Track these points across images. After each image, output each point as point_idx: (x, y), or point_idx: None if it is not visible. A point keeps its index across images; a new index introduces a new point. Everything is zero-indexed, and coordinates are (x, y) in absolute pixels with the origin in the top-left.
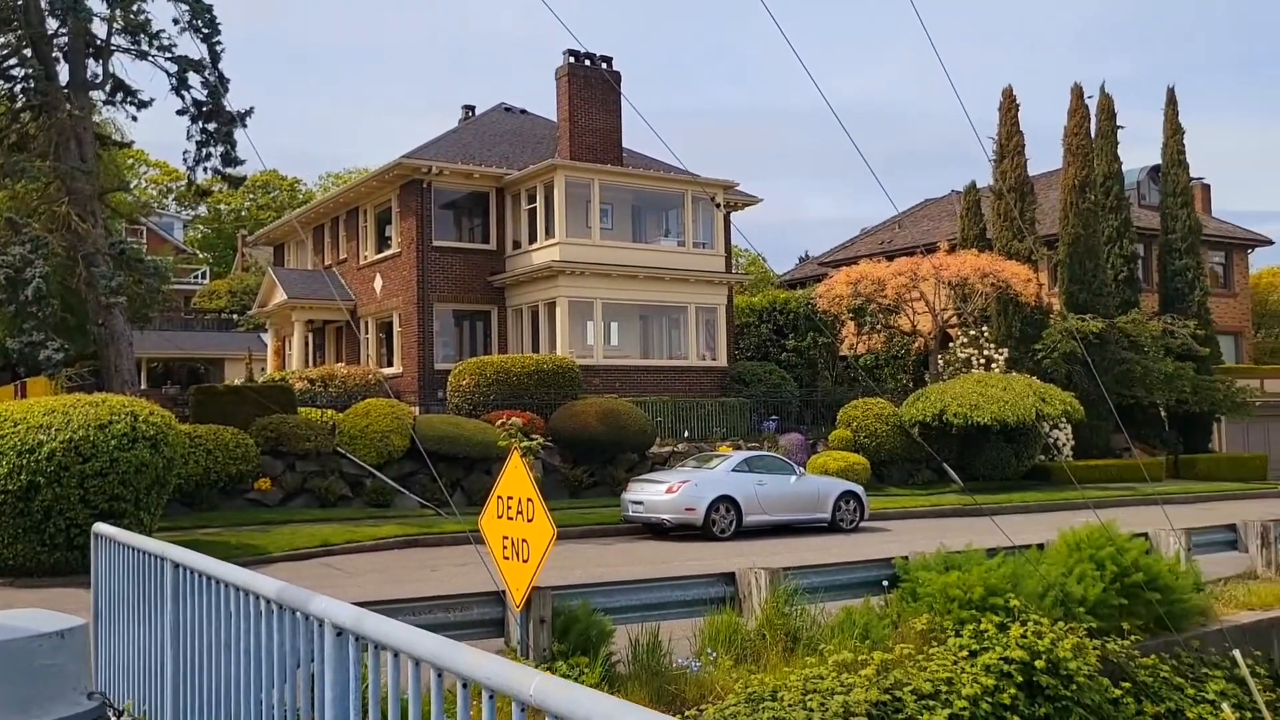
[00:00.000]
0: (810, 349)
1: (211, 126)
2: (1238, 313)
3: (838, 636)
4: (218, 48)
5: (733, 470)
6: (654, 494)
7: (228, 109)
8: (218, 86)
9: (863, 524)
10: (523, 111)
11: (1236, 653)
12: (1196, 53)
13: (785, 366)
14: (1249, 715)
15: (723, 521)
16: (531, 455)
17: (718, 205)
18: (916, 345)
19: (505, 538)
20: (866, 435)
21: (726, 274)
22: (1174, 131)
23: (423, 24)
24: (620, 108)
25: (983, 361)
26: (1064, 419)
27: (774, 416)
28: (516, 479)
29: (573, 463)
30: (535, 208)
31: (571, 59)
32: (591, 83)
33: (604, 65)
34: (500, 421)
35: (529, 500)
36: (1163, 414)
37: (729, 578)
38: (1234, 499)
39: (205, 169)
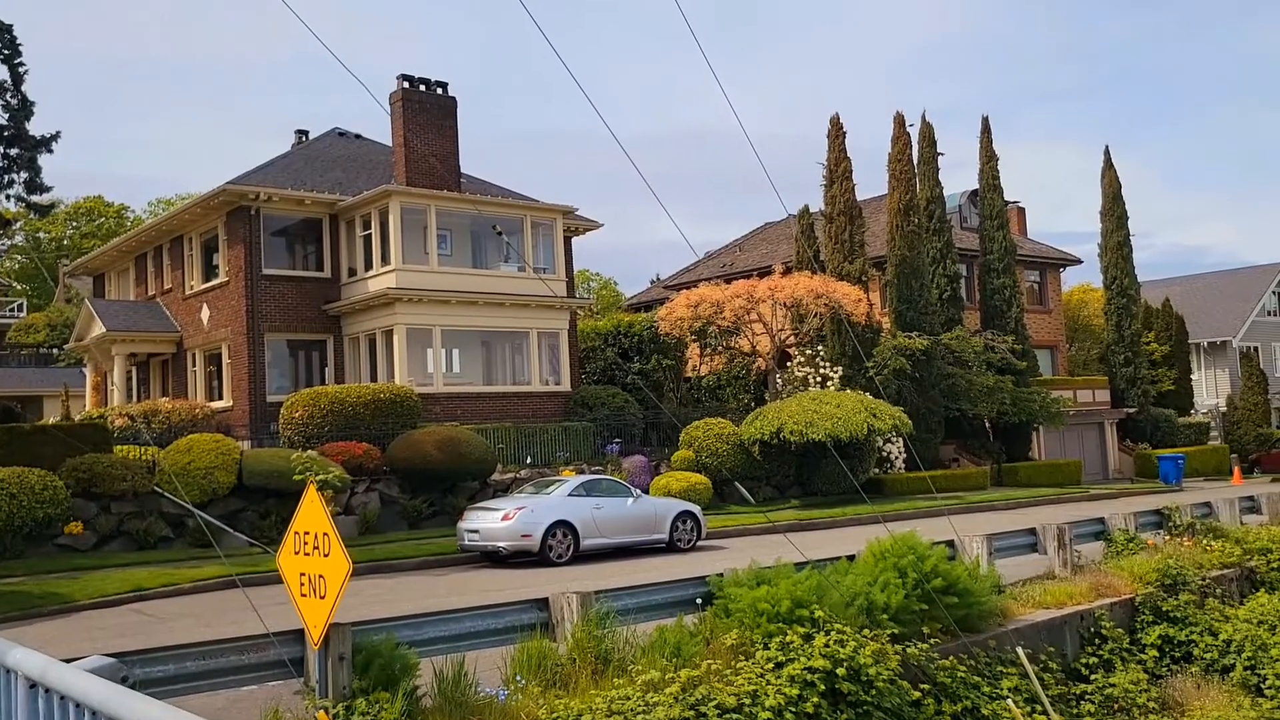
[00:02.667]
0: (655, 371)
1: (14, 152)
2: (1052, 328)
3: (648, 656)
4: (20, 69)
5: (569, 495)
6: (490, 522)
7: (31, 134)
8: (19, 110)
9: (700, 543)
10: (357, 136)
11: (1020, 650)
12: (1014, 82)
13: (631, 389)
14: (1039, 708)
15: (560, 546)
16: (330, 489)
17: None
18: (756, 365)
19: (303, 574)
20: (709, 455)
21: (568, 298)
22: (989, 158)
23: (256, 45)
24: (457, 132)
25: (819, 380)
26: (894, 433)
27: (617, 439)
28: (313, 513)
29: (412, 493)
30: (370, 234)
31: (405, 83)
32: (426, 107)
33: (439, 90)
34: (295, 456)
35: (325, 535)
36: (987, 425)
37: (542, 604)
38: (1050, 503)
39: (7, 196)
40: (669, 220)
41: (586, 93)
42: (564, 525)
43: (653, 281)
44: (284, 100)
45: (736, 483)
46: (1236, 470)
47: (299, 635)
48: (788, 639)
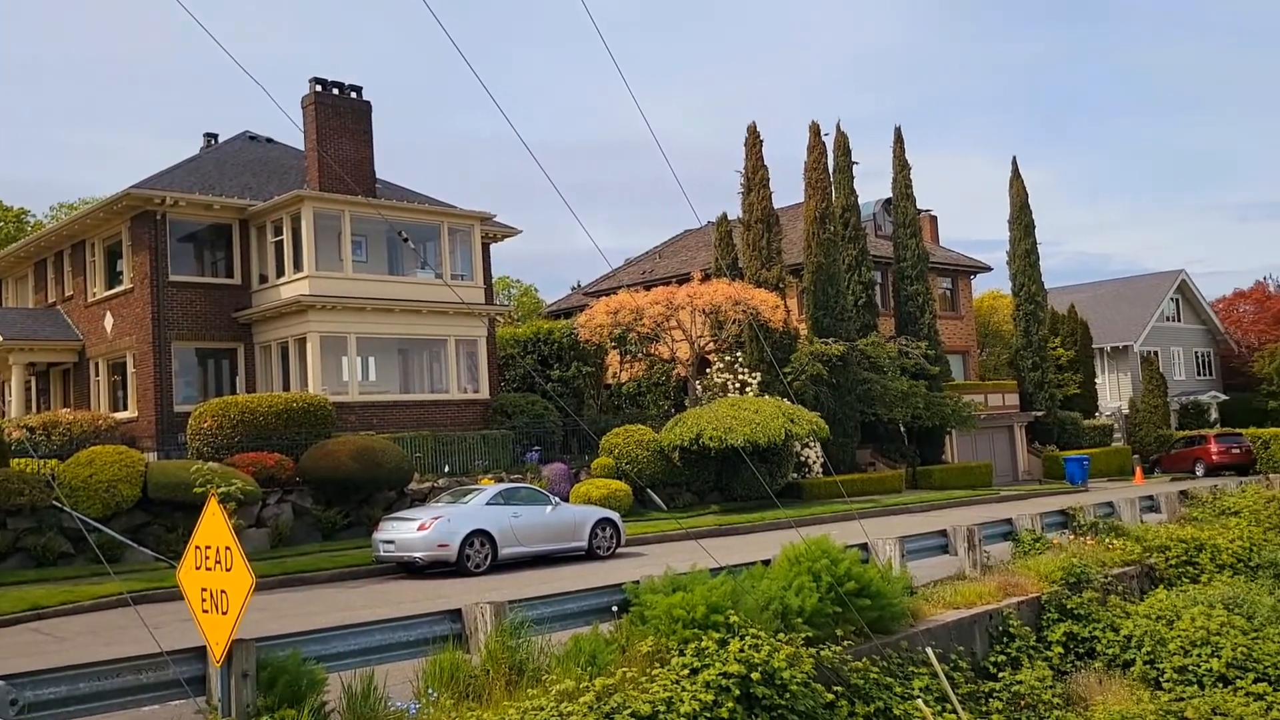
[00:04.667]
0: (575, 378)
1: None
2: (964, 333)
3: (563, 665)
4: None
5: (487, 504)
6: (406, 532)
7: None
8: None
9: (620, 550)
10: (269, 140)
11: (929, 650)
12: (929, 94)
13: (551, 397)
14: (949, 707)
15: (477, 556)
16: (234, 501)
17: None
18: (676, 372)
19: (204, 589)
20: (629, 462)
21: (487, 305)
22: (902, 167)
23: (168, 49)
24: (371, 137)
25: (738, 386)
26: (812, 438)
27: (537, 447)
28: (214, 527)
29: (326, 504)
30: (282, 240)
31: (319, 87)
32: (341, 111)
33: (353, 94)
34: (196, 467)
35: (227, 548)
36: (901, 429)
37: (455, 615)
38: (962, 505)
39: None
40: (585, 231)
41: (494, 96)
42: (482, 534)
43: (573, 288)
44: (198, 105)
45: (650, 490)
46: (1138, 471)
47: (201, 652)
48: (703, 645)
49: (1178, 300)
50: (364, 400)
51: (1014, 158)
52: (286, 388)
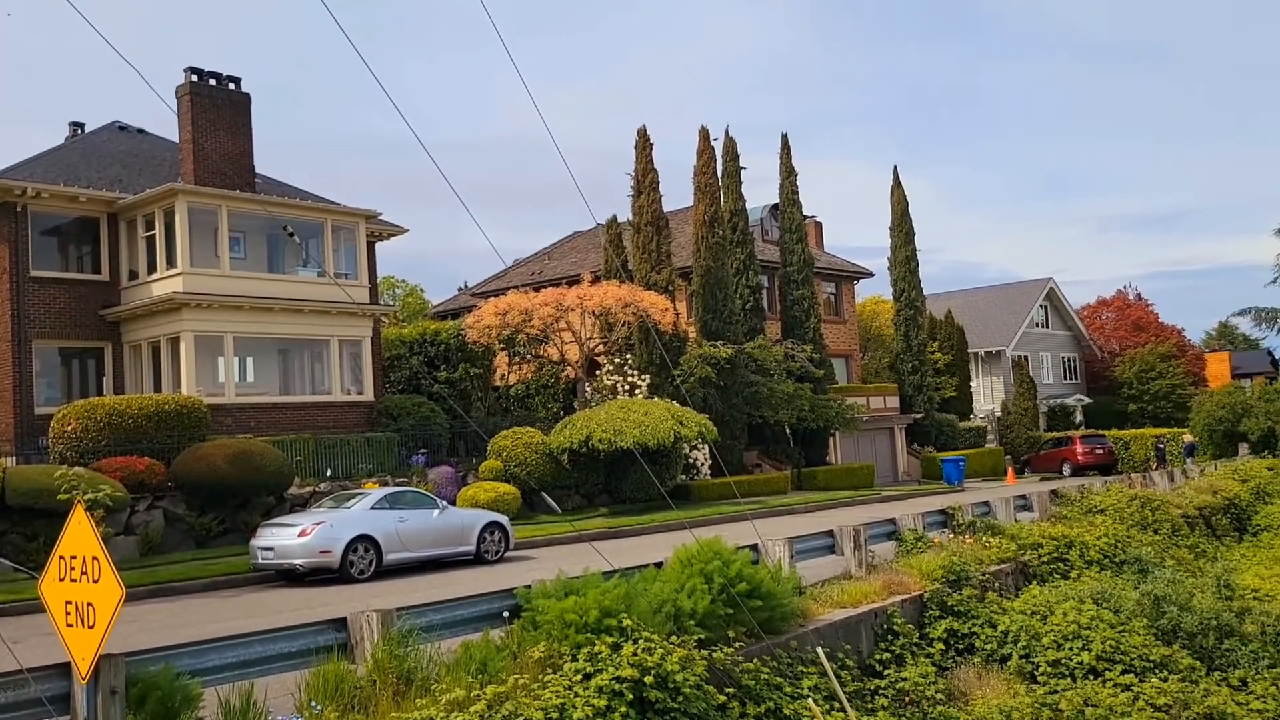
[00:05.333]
0: (463, 380)
1: None
2: (847, 337)
3: (453, 674)
4: None
5: (372, 508)
6: (286, 538)
7: None
8: None
9: (509, 554)
10: (140, 131)
11: (819, 649)
12: (817, 103)
13: (438, 399)
14: (837, 705)
15: (361, 562)
16: (101, 508)
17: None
18: (566, 374)
19: (69, 602)
20: (517, 465)
21: (371, 305)
22: (789, 174)
23: (44, 35)
24: (250, 130)
25: (627, 388)
26: (700, 440)
27: (423, 450)
28: (80, 536)
29: (200, 510)
30: (154, 235)
31: (194, 77)
32: (218, 103)
33: (231, 85)
34: (60, 472)
35: (94, 559)
36: (787, 431)
37: (340, 624)
38: (846, 505)
39: None
40: (479, 227)
41: (388, 91)
42: (366, 540)
43: (460, 289)
44: (62, 91)
45: (543, 493)
46: (1010, 471)
47: (65, 669)
48: (596, 649)
49: (1046, 307)
50: (241, 402)
51: (895, 167)
52: (158, 389)
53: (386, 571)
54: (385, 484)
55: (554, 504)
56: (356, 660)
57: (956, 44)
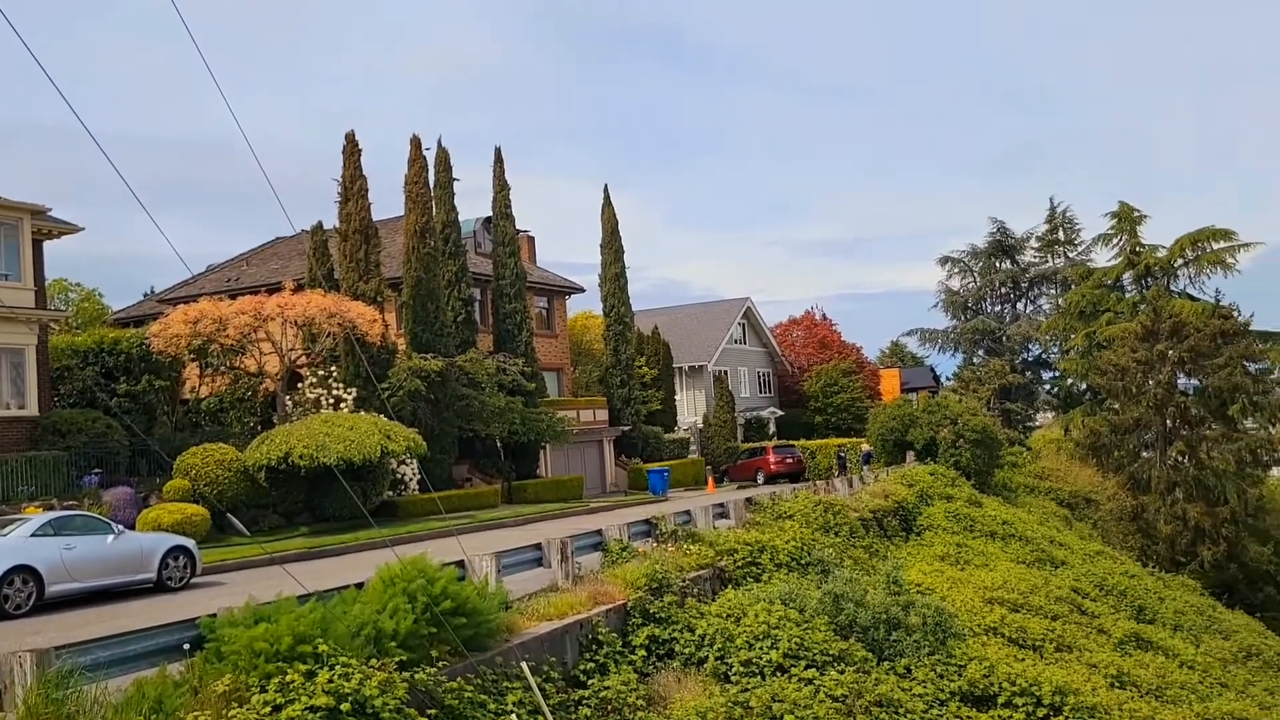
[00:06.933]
0: (147, 393)
1: None
2: (559, 352)
3: (122, 715)
4: None
5: (33, 535)
6: None
7: None
8: None
9: (195, 580)
10: None
11: (523, 664)
12: (537, 118)
13: (117, 414)
14: (541, 718)
15: (19, 596)
16: None
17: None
18: (265, 386)
19: None
20: (208, 484)
21: (37, 310)
22: (502, 187)
23: None
24: None
25: (332, 401)
26: (409, 455)
27: (98, 470)
28: None
29: None
30: None
31: None
32: None
33: None
34: None
35: None
36: (499, 444)
37: None
38: (556, 518)
39: None
40: (155, 224)
41: (51, 77)
42: (24, 570)
43: (146, 295)
44: None
45: (229, 514)
46: (710, 480)
47: None
48: (288, 679)
49: (744, 325)
50: None
51: (605, 185)
52: None
53: (51, 605)
54: (51, 508)
55: (241, 526)
56: (6, 707)
57: (673, 69)
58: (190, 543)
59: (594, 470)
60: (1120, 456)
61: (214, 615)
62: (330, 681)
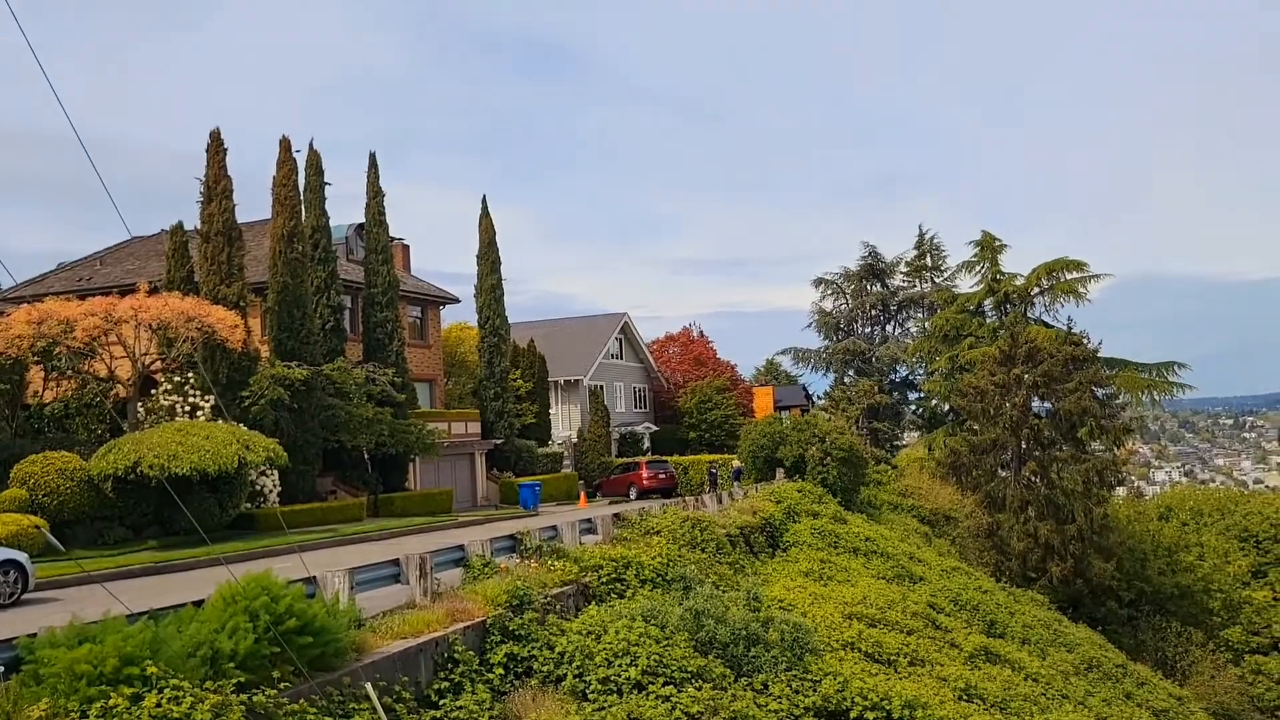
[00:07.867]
0: None
1: None
2: (432, 362)
3: None
4: None
5: None
6: None
7: None
8: None
9: (26, 596)
10: None
11: (368, 685)
12: (416, 127)
13: None
14: None
15: None
16: None
17: None
18: (115, 392)
19: None
20: (47, 494)
21: None
22: (376, 194)
23: None
24: None
25: (188, 409)
26: (269, 465)
27: None
28: None
29: None
30: None
31: None
32: None
33: None
34: None
35: None
36: (366, 456)
37: None
38: (422, 532)
39: None
40: (18, 227)
41: None
42: None
43: None
44: None
45: (68, 527)
46: (583, 495)
47: None
48: (111, 703)
49: (621, 340)
50: None
51: (484, 196)
52: None
53: None
54: None
55: (57, 542)
56: None
57: (562, 86)
58: (22, 556)
59: (465, 484)
60: (978, 476)
61: (34, 635)
62: (158, 705)
